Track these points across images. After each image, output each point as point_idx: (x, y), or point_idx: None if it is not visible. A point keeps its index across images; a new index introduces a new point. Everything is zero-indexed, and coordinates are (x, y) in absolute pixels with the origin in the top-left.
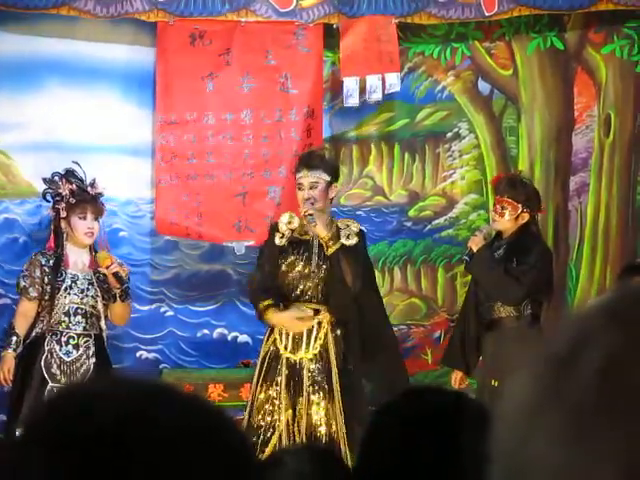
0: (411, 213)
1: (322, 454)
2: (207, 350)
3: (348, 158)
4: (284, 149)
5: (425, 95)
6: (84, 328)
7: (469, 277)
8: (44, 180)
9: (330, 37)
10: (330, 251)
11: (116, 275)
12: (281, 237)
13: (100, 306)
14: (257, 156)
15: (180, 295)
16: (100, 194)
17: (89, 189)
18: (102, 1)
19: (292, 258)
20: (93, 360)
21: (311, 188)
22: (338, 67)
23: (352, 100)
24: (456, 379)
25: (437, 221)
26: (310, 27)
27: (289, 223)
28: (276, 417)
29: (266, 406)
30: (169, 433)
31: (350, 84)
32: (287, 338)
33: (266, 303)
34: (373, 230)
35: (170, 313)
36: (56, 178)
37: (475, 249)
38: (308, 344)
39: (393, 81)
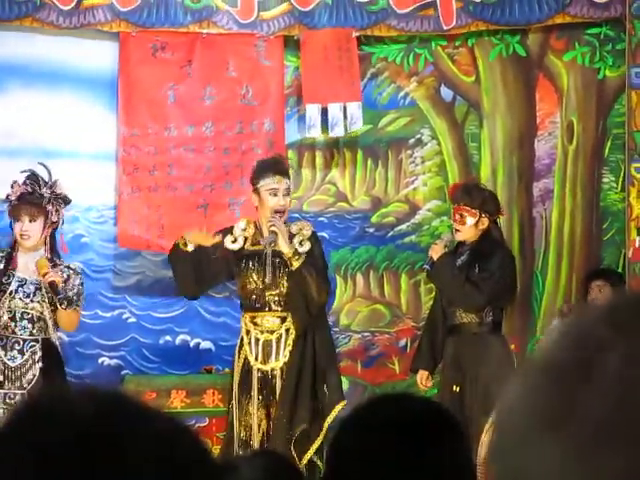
0: (374, 219)
1: (277, 461)
2: (170, 356)
3: (311, 164)
4: (245, 161)
5: (388, 101)
6: (30, 333)
7: None
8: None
9: (293, 42)
10: (294, 267)
11: (51, 285)
12: (233, 241)
13: (47, 312)
14: (218, 168)
15: (142, 301)
16: (57, 195)
17: (44, 190)
18: (65, 12)
19: (247, 271)
20: (40, 365)
21: (286, 195)
22: (301, 72)
23: (314, 131)
24: (422, 378)
25: (400, 227)
26: (271, 39)
27: (244, 230)
28: (254, 431)
29: (246, 421)
30: (128, 443)
31: (312, 113)
32: (257, 347)
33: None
34: (335, 236)
35: (132, 319)
36: (17, 181)
37: (436, 257)
38: (278, 353)
39: (355, 112)
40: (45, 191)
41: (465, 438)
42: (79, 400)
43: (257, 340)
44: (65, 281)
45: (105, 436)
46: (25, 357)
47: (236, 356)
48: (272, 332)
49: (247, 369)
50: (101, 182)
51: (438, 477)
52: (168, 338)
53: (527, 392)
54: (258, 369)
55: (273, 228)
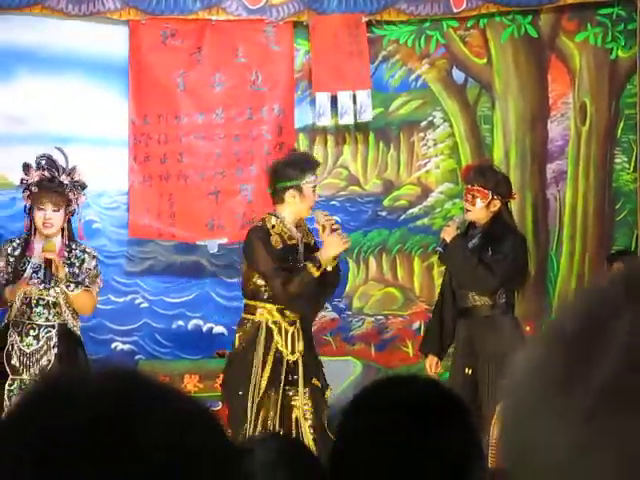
0: (386, 202)
1: (290, 443)
2: (182, 341)
3: (323, 147)
4: (255, 147)
5: (400, 84)
6: (46, 319)
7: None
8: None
9: (303, 27)
10: (330, 267)
11: (47, 262)
12: (275, 241)
13: (61, 297)
14: (229, 155)
15: (155, 286)
16: (76, 182)
17: (63, 177)
18: (74, 0)
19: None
20: (55, 351)
21: None
22: (312, 56)
23: (324, 119)
24: (431, 364)
25: (412, 210)
26: (280, 25)
27: (273, 227)
28: (278, 420)
29: (266, 412)
30: (145, 423)
31: (322, 100)
32: (286, 338)
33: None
34: (348, 220)
35: (145, 304)
36: (30, 164)
37: (448, 239)
38: (299, 342)
39: (364, 101)
40: (65, 178)
41: (473, 421)
42: (96, 380)
43: (286, 331)
44: (79, 266)
45: (117, 421)
46: (40, 343)
47: (260, 349)
48: (294, 323)
49: (278, 360)
50: (113, 168)
51: (446, 459)
52: (181, 323)
53: (537, 363)
54: (287, 359)
55: (336, 226)
